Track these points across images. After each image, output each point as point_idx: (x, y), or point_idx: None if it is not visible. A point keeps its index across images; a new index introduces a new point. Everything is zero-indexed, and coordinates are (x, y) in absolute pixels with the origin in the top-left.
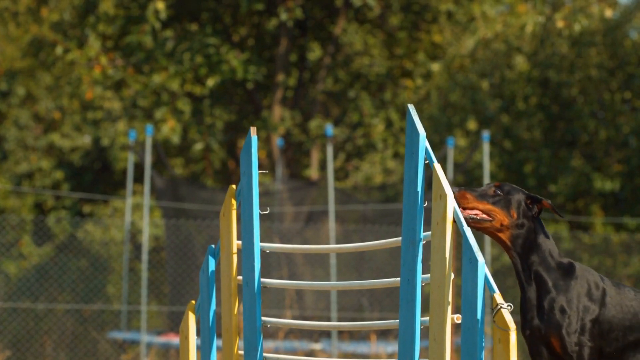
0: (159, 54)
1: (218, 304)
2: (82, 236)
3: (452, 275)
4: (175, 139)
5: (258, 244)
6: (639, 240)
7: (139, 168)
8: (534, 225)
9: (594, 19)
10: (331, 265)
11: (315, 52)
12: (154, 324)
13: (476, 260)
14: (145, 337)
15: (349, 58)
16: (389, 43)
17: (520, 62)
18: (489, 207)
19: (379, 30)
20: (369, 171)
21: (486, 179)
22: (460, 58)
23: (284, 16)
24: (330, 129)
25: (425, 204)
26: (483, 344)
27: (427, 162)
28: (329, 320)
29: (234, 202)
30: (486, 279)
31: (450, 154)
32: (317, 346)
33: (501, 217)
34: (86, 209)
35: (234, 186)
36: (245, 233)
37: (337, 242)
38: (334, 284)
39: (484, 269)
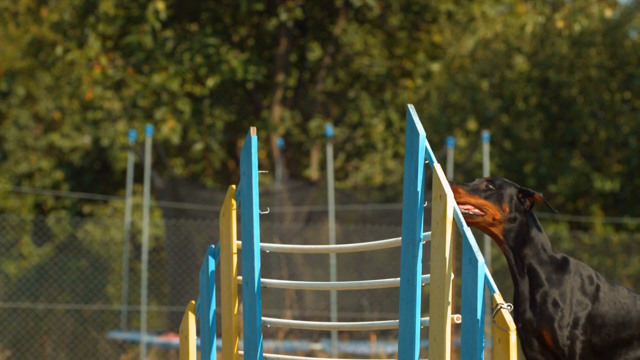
0: (159, 54)
1: (218, 304)
2: (82, 236)
3: (452, 275)
4: (175, 139)
5: (258, 244)
6: (638, 241)
7: (138, 168)
8: (526, 219)
9: (593, 19)
10: (331, 265)
11: (315, 52)
12: (154, 324)
13: (476, 260)
14: (145, 337)
15: (349, 58)
16: (388, 43)
17: (520, 62)
18: (481, 201)
19: (379, 30)
20: (369, 171)
21: None
22: (460, 58)
23: (283, 16)
24: (330, 129)
25: (425, 204)
26: (483, 344)
27: (427, 162)
28: (329, 320)
29: (234, 202)
30: (486, 279)
31: (450, 154)
32: (317, 346)
33: (493, 211)
34: (86, 209)
35: (234, 186)
36: (245, 233)
37: (337, 242)
38: (334, 284)
39: (484, 269)
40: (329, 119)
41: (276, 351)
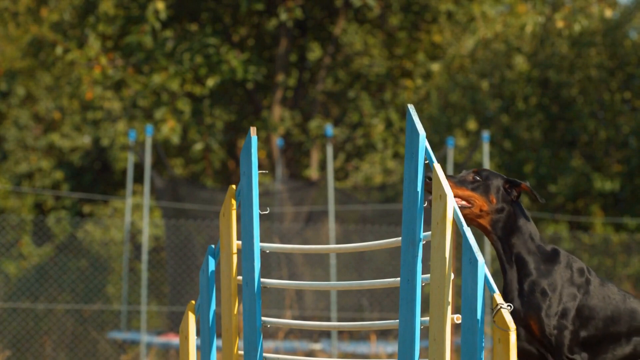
0: (159, 54)
1: (218, 304)
2: (82, 236)
3: (452, 275)
4: (175, 139)
5: (258, 244)
6: (638, 241)
7: (138, 168)
8: (514, 209)
9: (593, 19)
10: (331, 266)
11: (315, 52)
12: (154, 324)
13: (476, 261)
14: (145, 337)
15: (349, 58)
16: (388, 43)
17: (520, 62)
18: (468, 193)
19: (379, 30)
20: (369, 171)
21: None
22: (460, 58)
23: (283, 16)
24: (330, 129)
25: (425, 204)
26: (483, 344)
27: (427, 162)
28: (328, 320)
29: (234, 202)
30: (486, 279)
31: (450, 154)
32: (317, 346)
33: (480, 202)
34: (86, 209)
35: (233, 186)
36: (245, 233)
37: (337, 242)
38: (334, 284)
39: (484, 269)
40: (329, 119)
41: (276, 351)
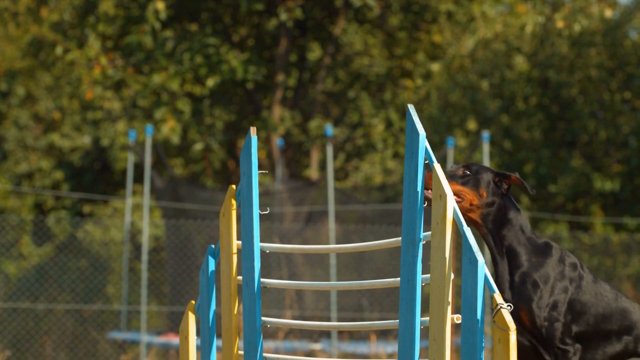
0: (159, 54)
1: (218, 304)
2: (82, 236)
3: (452, 275)
4: (175, 139)
5: (258, 244)
6: (638, 241)
7: (138, 168)
8: (504, 202)
9: (593, 19)
10: (331, 266)
11: (315, 52)
12: (154, 324)
13: (476, 260)
14: (145, 337)
15: (349, 58)
16: (388, 43)
17: (520, 62)
18: (458, 187)
19: (379, 30)
20: (369, 171)
21: None
22: (460, 58)
23: (283, 16)
24: (330, 129)
25: (425, 204)
26: (483, 344)
27: (427, 162)
28: (328, 320)
29: (233, 202)
30: (486, 279)
31: (450, 154)
32: (317, 346)
33: (471, 197)
34: (86, 209)
35: (233, 186)
36: (245, 233)
37: (337, 242)
38: (334, 284)
39: (484, 269)
40: (329, 119)
41: (276, 351)
